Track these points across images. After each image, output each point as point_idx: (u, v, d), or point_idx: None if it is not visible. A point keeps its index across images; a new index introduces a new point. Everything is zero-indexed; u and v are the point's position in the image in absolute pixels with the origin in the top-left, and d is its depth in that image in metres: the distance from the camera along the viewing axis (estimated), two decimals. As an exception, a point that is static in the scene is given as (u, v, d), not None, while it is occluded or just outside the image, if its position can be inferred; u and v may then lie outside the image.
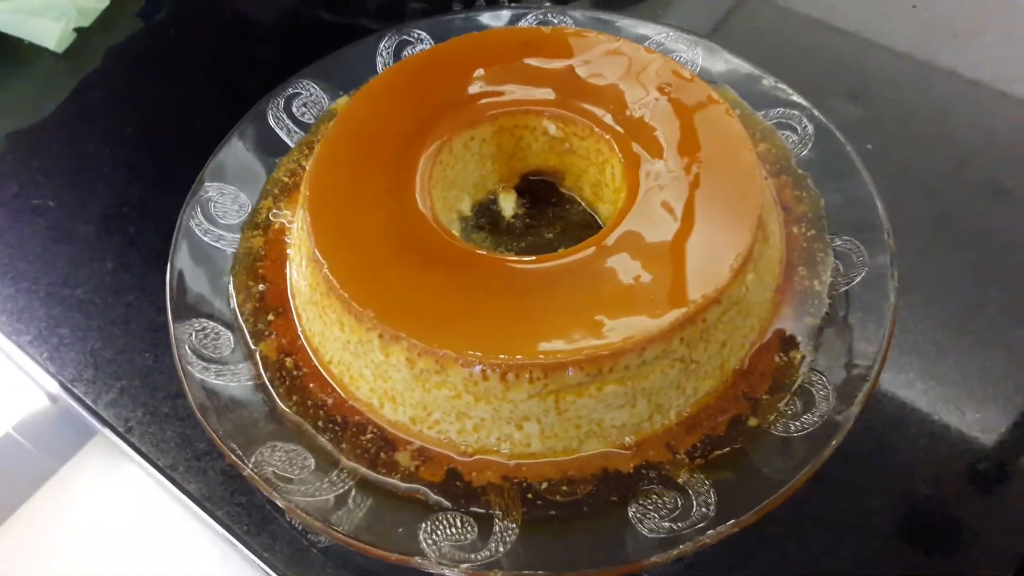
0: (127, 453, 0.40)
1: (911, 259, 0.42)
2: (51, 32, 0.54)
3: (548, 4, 0.51)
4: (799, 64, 0.53)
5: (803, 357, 0.37)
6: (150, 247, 0.46)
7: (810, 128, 0.44)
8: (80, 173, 0.50)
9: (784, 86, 0.45)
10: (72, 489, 0.42)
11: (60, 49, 0.55)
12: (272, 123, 0.47)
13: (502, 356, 0.33)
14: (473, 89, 0.43)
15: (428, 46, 0.50)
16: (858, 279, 0.39)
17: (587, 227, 0.43)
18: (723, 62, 0.47)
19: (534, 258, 0.36)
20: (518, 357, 0.33)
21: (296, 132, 0.47)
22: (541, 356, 0.33)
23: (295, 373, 0.38)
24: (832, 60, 0.52)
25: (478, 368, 0.33)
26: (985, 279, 0.42)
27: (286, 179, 0.45)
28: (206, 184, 0.44)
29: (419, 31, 0.50)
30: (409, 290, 0.35)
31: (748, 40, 0.54)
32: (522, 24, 0.50)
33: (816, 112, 0.44)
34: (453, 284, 0.35)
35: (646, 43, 0.48)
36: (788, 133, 0.44)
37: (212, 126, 0.50)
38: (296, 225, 0.41)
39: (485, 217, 0.44)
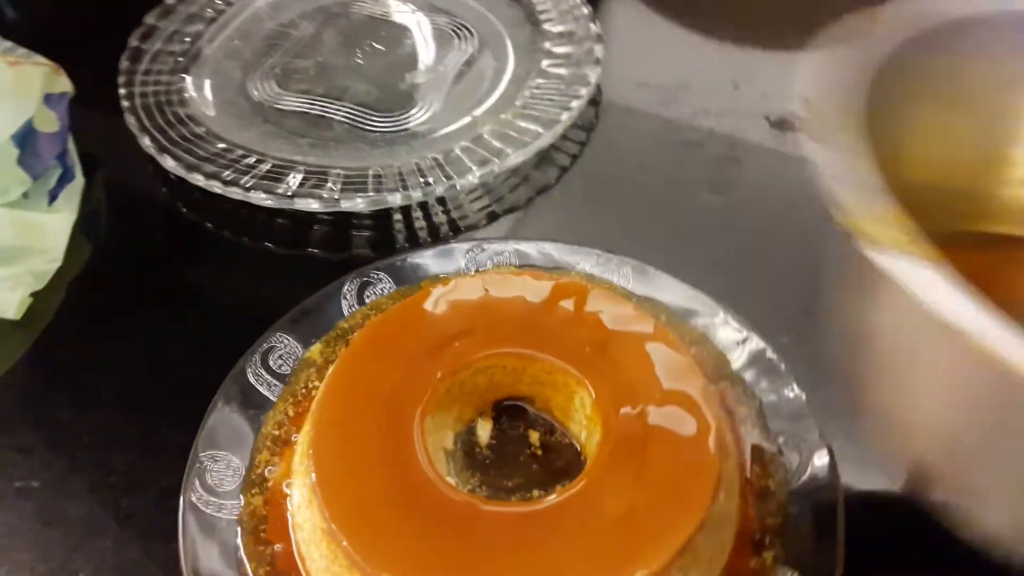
0: None
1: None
2: (10, 303, 0.55)
3: (485, 239, 0.57)
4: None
5: (775, 556, 0.42)
6: (147, 518, 0.47)
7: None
8: (60, 446, 0.51)
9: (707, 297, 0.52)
10: None
11: (19, 317, 0.56)
12: (252, 380, 0.50)
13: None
14: (448, 338, 0.47)
15: (389, 284, 0.55)
16: (805, 475, 0.45)
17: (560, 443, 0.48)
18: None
19: (538, 506, 0.41)
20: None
21: (276, 385, 0.50)
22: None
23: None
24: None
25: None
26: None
27: (276, 432, 0.48)
28: (200, 455, 0.46)
29: (378, 272, 0.55)
30: (426, 553, 0.39)
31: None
32: (468, 256, 0.56)
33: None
34: (467, 546, 0.39)
35: (577, 267, 0.55)
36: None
37: (186, 381, 0.53)
38: (300, 492, 0.44)
39: (462, 447, 0.48)
